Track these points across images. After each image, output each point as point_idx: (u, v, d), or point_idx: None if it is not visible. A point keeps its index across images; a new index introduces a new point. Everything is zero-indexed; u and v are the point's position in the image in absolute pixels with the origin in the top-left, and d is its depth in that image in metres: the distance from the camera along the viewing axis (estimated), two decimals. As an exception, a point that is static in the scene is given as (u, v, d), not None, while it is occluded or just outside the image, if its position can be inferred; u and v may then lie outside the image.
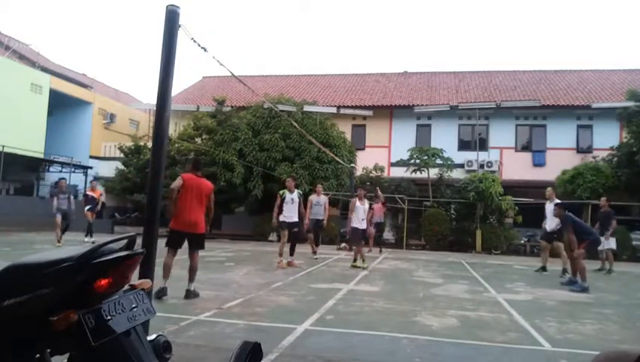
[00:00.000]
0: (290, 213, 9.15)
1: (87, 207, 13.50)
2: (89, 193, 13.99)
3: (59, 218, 12.23)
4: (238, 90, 23.99)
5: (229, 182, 16.62)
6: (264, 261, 10.12)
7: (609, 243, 10.45)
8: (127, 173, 18.45)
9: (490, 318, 5.14)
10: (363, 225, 9.68)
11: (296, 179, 10.97)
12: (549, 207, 9.80)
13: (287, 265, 8.99)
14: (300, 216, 9.46)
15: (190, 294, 5.55)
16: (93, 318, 1.49)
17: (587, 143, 20.67)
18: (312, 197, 10.86)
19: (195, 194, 5.51)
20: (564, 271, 9.24)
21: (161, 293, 5.28)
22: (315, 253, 10.94)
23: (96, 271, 1.53)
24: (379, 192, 14.33)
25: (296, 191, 9.38)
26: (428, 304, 5.83)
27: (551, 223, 9.73)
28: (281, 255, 8.99)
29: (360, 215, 9.58)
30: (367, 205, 9.84)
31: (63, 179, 13.68)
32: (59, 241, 11.91)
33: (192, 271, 5.64)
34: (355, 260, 9.57)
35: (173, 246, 5.59)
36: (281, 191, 9.40)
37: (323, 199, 10.96)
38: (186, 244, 5.69)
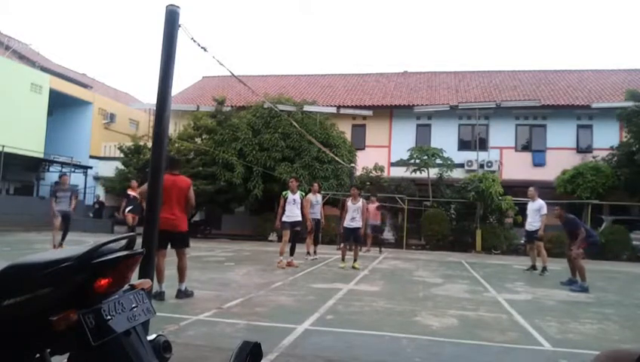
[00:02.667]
0: (292, 213, 9.21)
1: (128, 208, 12.10)
2: (130, 192, 12.28)
3: (58, 220, 10.44)
4: (238, 89, 23.99)
5: (229, 182, 16.61)
6: (264, 261, 10.12)
7: None
8: (127, 173, 18.41)
9: (490, 318, 5.14)
10: (353, 224, 9.56)
11: (299, 180, 11.01)
12: (531, 207, 9.84)
13: (286, 265, 9.01)
14: (303, 216, 9.49)
15: (181, 294, 5.52)
16: (93, 318, 1.49)
17: (587, 143, 20.69)
18: (311, 197, 10.85)
19: (172, 193, 5.44)
20: (533, 267, 10.04)
21: (159, 298, 5.26)
22: (309, 253, 10.87)
23: (96, 271, 1.53)
24: (372, 197, 14.36)
25: (298, 191, 9.45)
26: (428, 304, 5.84)
27: (532, 223, 9.81)
28: (282, 254, 9.01)
29: (350, 214, 9.57)
30: (360, 203, 9.69)
31: (64, 174, 12.12)
32: (54, 246, 10.38)
33: (181, 271, 5.63)
34: (355, 260, 9.56)
35: (159, 246, 5.57)
36: (284, 193, 9.47)
37: (321, 198, 10.97)
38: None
